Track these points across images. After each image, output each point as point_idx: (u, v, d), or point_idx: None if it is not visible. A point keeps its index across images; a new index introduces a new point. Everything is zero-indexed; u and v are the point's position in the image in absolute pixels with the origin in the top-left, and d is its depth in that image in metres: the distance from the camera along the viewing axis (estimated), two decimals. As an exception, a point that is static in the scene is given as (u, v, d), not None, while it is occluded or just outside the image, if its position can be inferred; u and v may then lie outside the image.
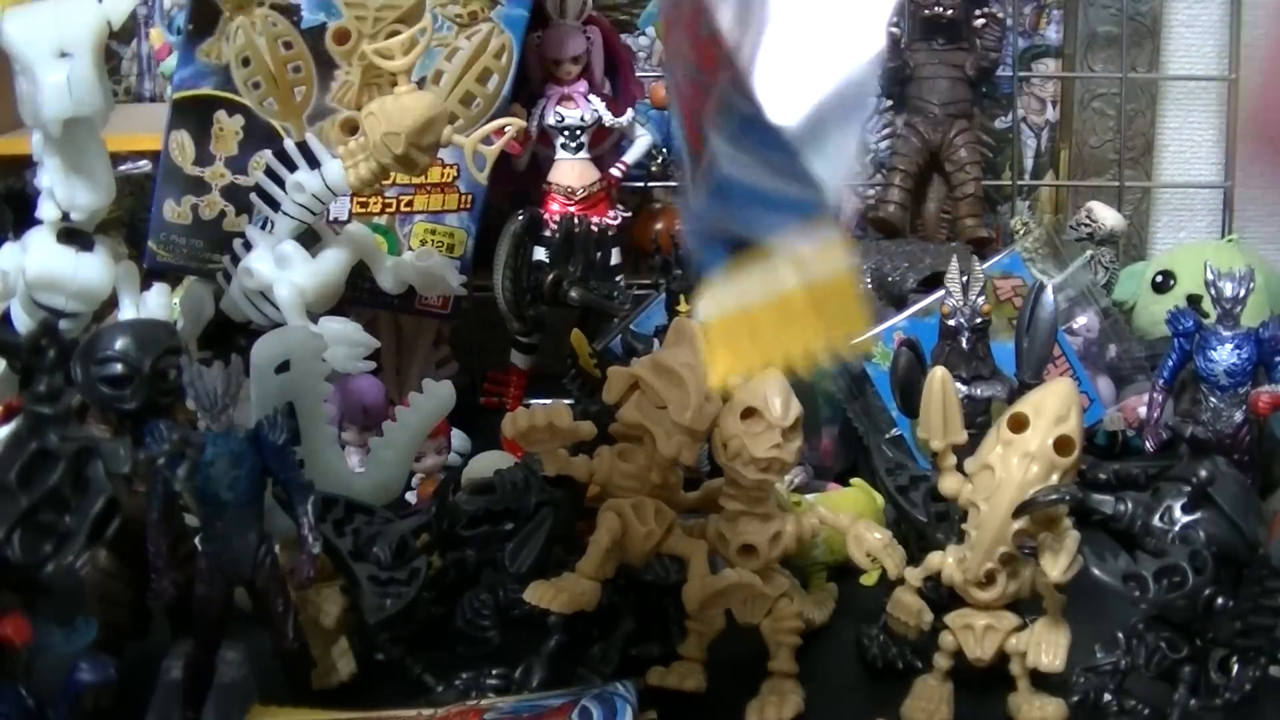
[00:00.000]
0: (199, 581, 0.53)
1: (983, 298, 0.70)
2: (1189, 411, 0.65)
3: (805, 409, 0.55)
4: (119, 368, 0.55)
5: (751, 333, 0.36)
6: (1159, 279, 0.89)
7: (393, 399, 0.78)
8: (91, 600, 0.56)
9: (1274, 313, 0.80)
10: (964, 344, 0.69)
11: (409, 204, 0.84)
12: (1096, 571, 0.49)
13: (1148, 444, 0.65)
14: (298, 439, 0.62)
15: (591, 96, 0.89)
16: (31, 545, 0.47)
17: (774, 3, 0.26)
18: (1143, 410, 0.69)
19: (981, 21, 0.96)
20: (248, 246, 0.75)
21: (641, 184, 1.01)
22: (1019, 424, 0.53)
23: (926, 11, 0.95)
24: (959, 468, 0.57)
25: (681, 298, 0.78)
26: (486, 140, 0.73)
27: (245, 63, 0.80)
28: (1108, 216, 0.92)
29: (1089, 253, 0.92)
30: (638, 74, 0.95)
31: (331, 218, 0.77)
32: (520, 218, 0.84)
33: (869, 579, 0.64)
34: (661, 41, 0.96)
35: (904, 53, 0.96)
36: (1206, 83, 1.03)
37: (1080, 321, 0.87)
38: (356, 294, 0.78)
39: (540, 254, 0.87)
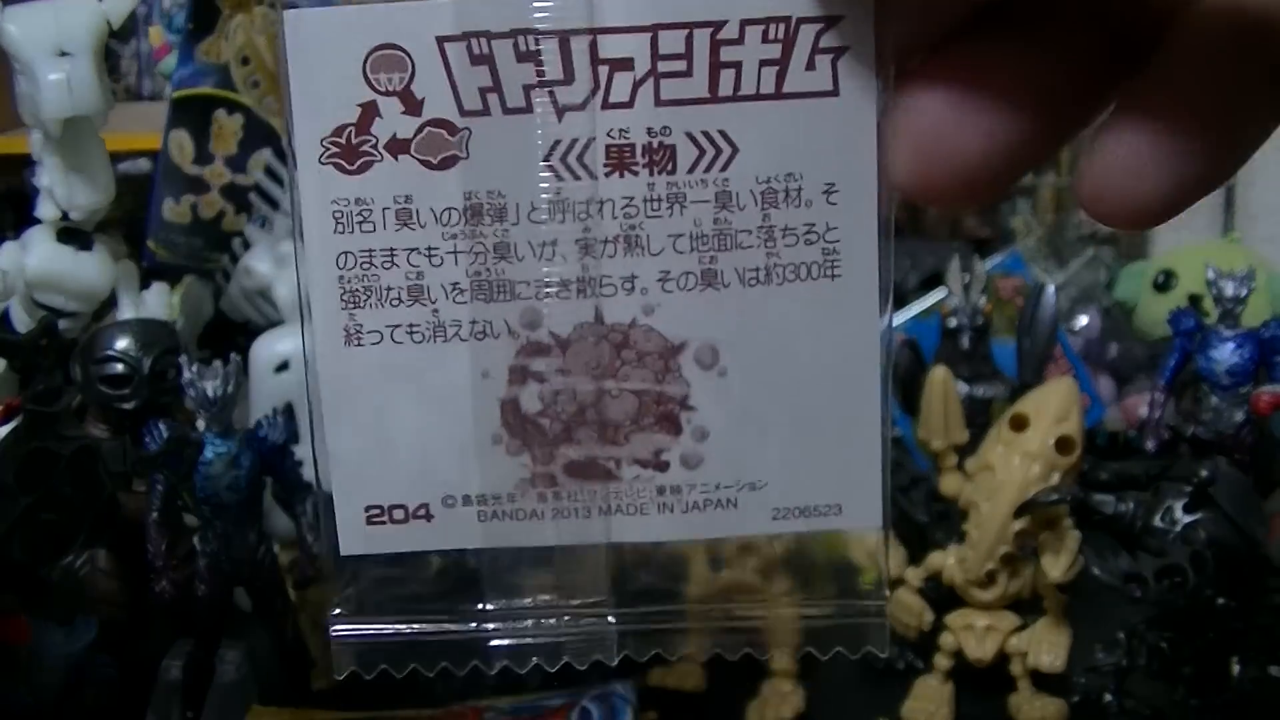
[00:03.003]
0: (198, 581, 0.53)
1: (983, 297, 0.69)
2: (1190, 411, 0.64)
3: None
4: (118, 367, 0.55)
5: None
6: (1160, 279, 0.89)
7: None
8: (91, 600, 0.56)
9: (1275, 313, 0.80)
10: (964, 344, 0.69)
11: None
12: (1097, 571, 0.49)
13: (1148, 444, 0.65)
14: (297, 438, 0.62)
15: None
16: (31, 545, 0.47)
17: None
18: (1143, 410, 0.69)
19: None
20: (247, 246, 0.75)
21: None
22: (1020, 424, 0.53)
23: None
24: (959, 467, 0.57)
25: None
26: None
27: (245, 61, 0.80)
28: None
29: (1090, 252, 0.92)
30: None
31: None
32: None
33: (869, 579, 0.64)
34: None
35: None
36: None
37: (1081, 321, 0.86)
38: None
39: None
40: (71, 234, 0.70)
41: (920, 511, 0.61)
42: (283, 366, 0.64)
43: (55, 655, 0.50)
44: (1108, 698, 0.52)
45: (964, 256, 0.77)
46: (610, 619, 0.23)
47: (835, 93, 0.20)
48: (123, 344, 0.56)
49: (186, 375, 0.51)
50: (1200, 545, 0.47)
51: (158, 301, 0.73)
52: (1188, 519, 0.49)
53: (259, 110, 0.80)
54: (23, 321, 0.71)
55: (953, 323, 0.70)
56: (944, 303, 0.71)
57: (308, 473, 0.55)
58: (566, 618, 0.23)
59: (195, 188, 0.80)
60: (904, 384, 0.69)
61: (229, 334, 0.78)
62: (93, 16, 0.65)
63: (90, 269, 0.70)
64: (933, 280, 0.84)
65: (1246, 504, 0.49)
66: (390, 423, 0.21)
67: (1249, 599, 0.49)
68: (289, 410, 0.61)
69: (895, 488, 0.66)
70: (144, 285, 0.74)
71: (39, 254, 0.69)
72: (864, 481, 0.23)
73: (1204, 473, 0.49)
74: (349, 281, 0.21)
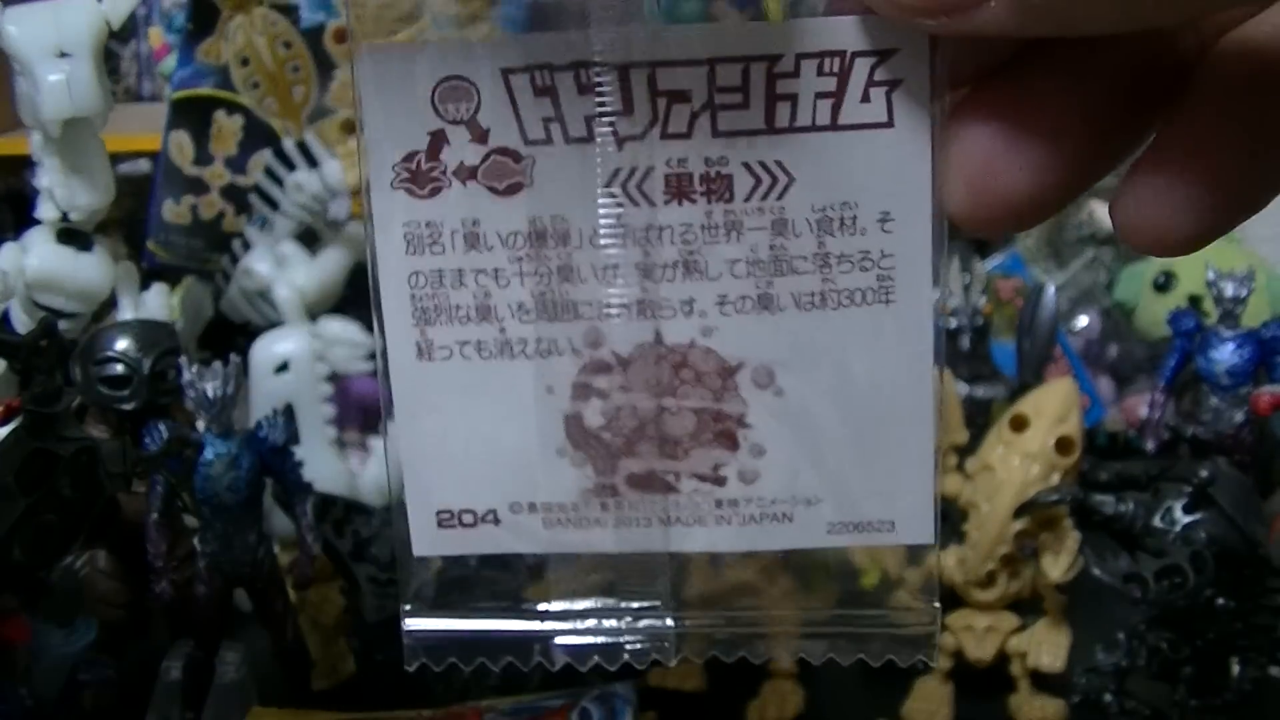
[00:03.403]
0: (198, 582, 0.53)
1: (983, 297, 0.70)
2: (1190, 411, 0.64)
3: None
4: (118, 368, 0.55)
5: None
6: (1160, 279, 0.89)
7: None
8: (91, 600, 0.56)
9: (1275, 313, 0.80)
10: (964, 344, 0.69)
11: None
12: (1097, 572, 0.49)
13: (1148, 444, 0.65)
14: (297, 439, 0.62)
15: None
16: (31, 546, 0.47)
17: None
18: (1143, 410, 0.69)
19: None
20: (247, 246, 0.75)
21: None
22: (1020, 424, 0.53)
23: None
24: (959, 467, 0.57)
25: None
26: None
27: (244, 62, 0.80)
28: (1109, 217, 0.93)
29: (1090, 253, 0.92)
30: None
31: (331, 218, 0.77)
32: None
33: (869, 579, 0.64)
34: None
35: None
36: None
37: (1081, 321, 0.86)
38: (356, 294, 0.78)
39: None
40: (71, 235, 0.70)
41: (920, 512, 0.61)
42: (282, 367, 0.64)
43: (55, 655, 0.50)
44: (1108, 698, 0.52)
45: (964, 257, 0.77)
46: (669, 621, 0.24)
47: (890, 124, 0.20)
48: (123, 345, 0.56)
49: (186, 376, 0.51)
50: (1200, 545, 0.47)
51: (158, 302, 0.73)
52: (1188, 519, 0.49)
53: (259, 111, 0.80)
54: (23, 322, 0.71)
55: (953, 323, 0.70)
56: (944, 303, 0.71)
57: (307, 474, 0.55)
58: (627, 619, 0.24)
59: (195, 189, 0.80)
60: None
61: (229, 335, 0.78)
62: (92, 17, 0.65)
63: (90, 270, 0.70)
64: (932, 281, 0.84)
65: (1246, 504, 0.49)
66: (460, 433, 0.22)
67: (1249, 599, 0.49)
68: (289, 411, 0.61)
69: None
70: (144, 286, 0.74)
71: (39, 255, 0.69)
72: (916, 499, 0.23)
73: (1204, 473, 0.49)
74: (420, 300, 0.22)
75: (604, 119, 0.20)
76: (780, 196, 0.21)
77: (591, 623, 0.24)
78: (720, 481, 0.23)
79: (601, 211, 0.21)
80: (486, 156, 0.21)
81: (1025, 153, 0.18)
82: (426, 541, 0.23)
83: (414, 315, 0.22)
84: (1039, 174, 0.19)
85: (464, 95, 0.20)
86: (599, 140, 0.20)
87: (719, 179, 0.20)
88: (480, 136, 0.21)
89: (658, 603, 0.24)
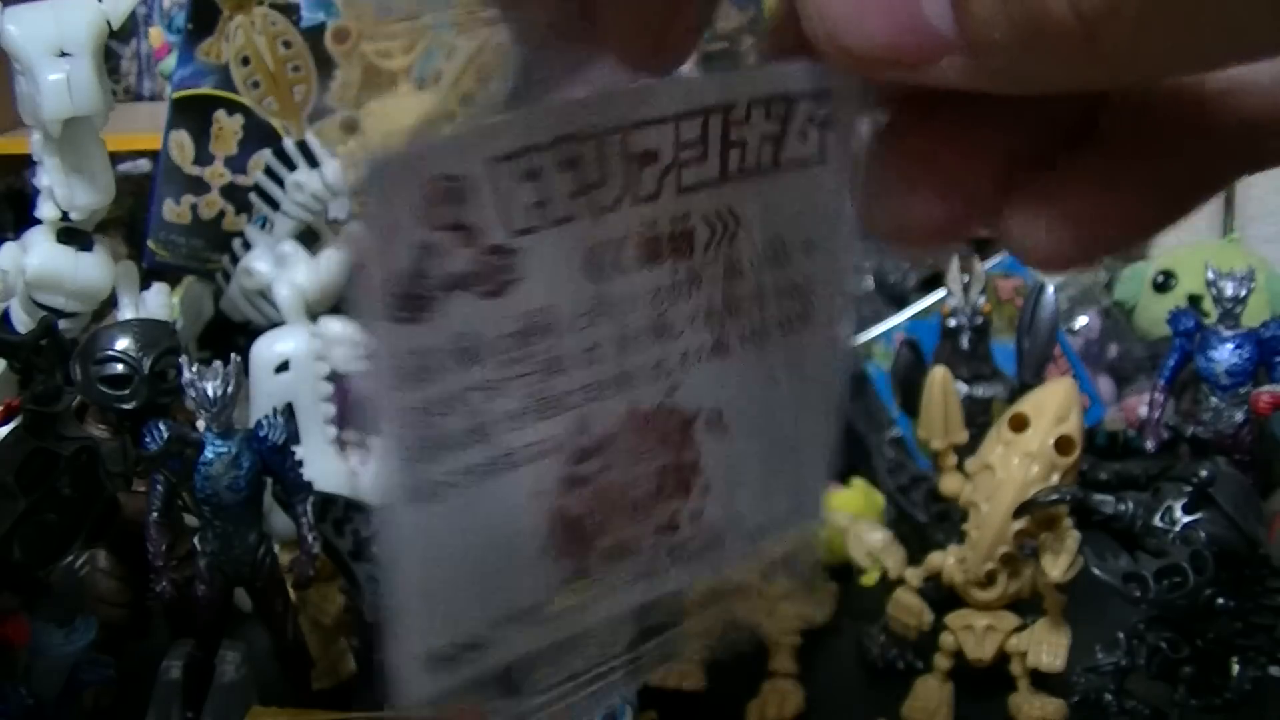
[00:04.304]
0: (199, 581, 0.53)
1: (983, 297, 0.70)
2: (1189, 411, 0.64)
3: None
4: (119, 367, 0.55)
5: None
6: (1160, 279, 0.89)
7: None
8: (91, 600, 0.56)
9: (1275, 313, 0.80)
10: (964, 344, 0.69)
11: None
12: (1097, 571, 0.49)
13: (1148, 444, 0.65)
14: (297, 439, 0.62)
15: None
16: (31, 545, 0.47)
17: None
18: (1143, 410, 0.69)
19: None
20: (247, 246, 0.75)
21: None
22: (1020, 424, 0.53)
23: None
24: (959, 467, 0.57)
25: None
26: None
27: (244, 62, 0.80)
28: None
29: (1089, 252, 0.92)
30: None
31: (331, 218, 0.77)
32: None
33: (869, 579, 0.64)
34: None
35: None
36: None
37: (1081, 321, 0.86)
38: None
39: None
40: (71, 234, 0.70)
41: (920, 511, 0.61)
42: (283, 367, 0.64)
43: (55, 655, 0.50)
44: (1108, 698, 0.52)
45: (964, 256, 0.77)
46: (627, 662, 0.24)
47: (822, 160, 0.20)
48: (123, 344, 0.56)
49: (186, 375, 0.51)
50: (1200, 545, 0.47)
51: (158, 302, 0.73)
52: (1188, 519, 0.49)
53: (259, 110, 0.80)
54: (23, 321, 0.71)
55: (953, 323, 0.70)
56: (944, 303, 0.71)
57: (307, 473, 0.55)
58: (589, 675, 0.24)
59: (195, 188, 0.80)
60: (904, 384, 0.69)
61: (229, 334, 0.78)
62: (93, 16, 0.65)
63: (90, 269, 0.70)
64: (933, 280, 0.84)
65: (1246, 504, 0.49)
66: (449, 568, 0.21)
67: (1249, 599, 0.49)
68: (289, 410, 0.61)
69: (895, 488, 0.66)
70: (144, 285, 0.74)
71: (39, 254, 0.69)
72: (815, 489, 0.24)
73: (1204, 473, 0.49)
74: (411, 438, 0.20)
75: (582, 194, 0.19)
76: (730, 242, 0.20)
77: (555, 693, 0.23)
78: (675, 529, 0.23)
79: (582, 291, 0.20)
80: (476, 259, 0.19)
81: (943, 181, 0.18)
82: (414, 688, 0.21)
83: (405, 454, 0.20)
84: (958, 202, 0.19)
85: (453, 196, 0.18)
86: (578, 217, 0.19)
87: (682, 236, 0.20)
88: (468, 239, 0.19)
89: (619, 651, 0.24)
